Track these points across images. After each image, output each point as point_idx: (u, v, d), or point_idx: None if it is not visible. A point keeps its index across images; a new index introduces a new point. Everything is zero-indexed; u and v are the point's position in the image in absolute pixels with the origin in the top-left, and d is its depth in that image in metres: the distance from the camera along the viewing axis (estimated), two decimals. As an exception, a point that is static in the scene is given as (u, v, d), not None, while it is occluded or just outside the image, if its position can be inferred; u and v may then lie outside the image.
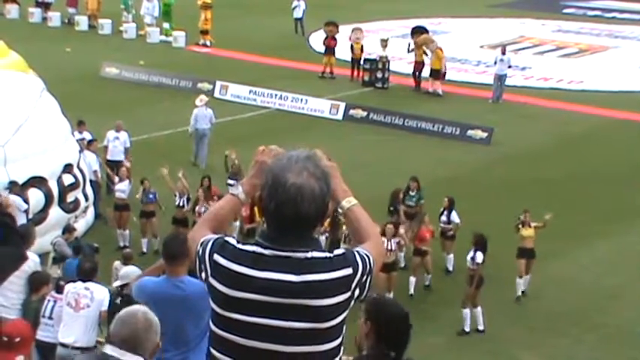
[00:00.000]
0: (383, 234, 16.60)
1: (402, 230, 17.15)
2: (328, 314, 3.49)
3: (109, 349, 4.20)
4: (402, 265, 18.05)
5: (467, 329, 16.20)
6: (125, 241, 18.83)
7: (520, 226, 17.45)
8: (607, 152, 25.48)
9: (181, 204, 18.42)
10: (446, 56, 31.13)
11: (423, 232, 17.62)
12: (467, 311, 16.22)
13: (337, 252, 3.60)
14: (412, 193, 18.89)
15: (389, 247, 16.54)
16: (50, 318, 11.78)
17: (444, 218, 18.21)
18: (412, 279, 17.53)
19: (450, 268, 18.24)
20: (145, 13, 38.23)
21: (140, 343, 3.94)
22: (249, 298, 3.48)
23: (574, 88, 32.06)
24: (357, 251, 3.61)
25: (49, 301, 11.81)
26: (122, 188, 19.11)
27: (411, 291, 17.43)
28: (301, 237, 3.52)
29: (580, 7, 47.08)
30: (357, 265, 3.56)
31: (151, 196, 18.74)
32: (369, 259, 3.60)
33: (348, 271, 3.52)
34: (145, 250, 18.69)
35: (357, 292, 3.57)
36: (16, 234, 5.21)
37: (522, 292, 17.26)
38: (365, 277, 3.58)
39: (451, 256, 18.16)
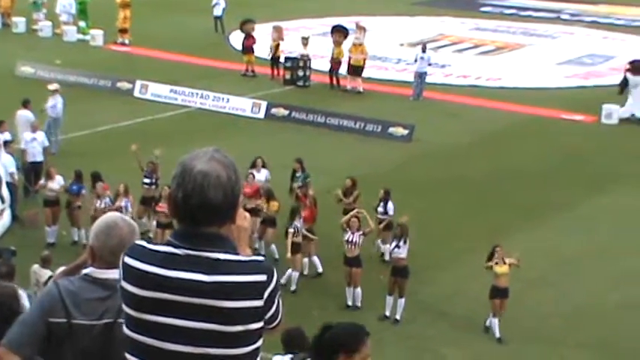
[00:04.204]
0: (348, 226, 17.10)
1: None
2: (237, 318, 3.45)
3: (96, 273, 4.11)
4: (387, 257, 18.34)
5: (387, 314, 16.71)
6: (53, 238, 19.13)
7: (494, 263, 16.16)
8: (525, 148, 25.91)
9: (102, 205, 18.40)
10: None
11: (307, 213, 18.08)
12: (390, 298, 16.74)
13: (253, 257, 3.58)
14: (298, 175, 20.07)
15: (353, 240, 16.94)
16: None
17: (380, 209, 18.59)
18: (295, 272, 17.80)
19: (387, 258, 18.44)
20: (61, 11, 37.61)
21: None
22: (160, 297, 3.45)
23: (492, 86, 32.53)
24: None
25: None
26: (54, 187, 19.23)
27: (293, 287, 17.51)
28: (214, 236, 3.49)
29: (497, 5, 47.76)
30: (272, 274, 3.53)
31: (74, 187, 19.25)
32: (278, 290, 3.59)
33: (262, 277, 3.48)
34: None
35: (267, 307, 3.52)
36: None
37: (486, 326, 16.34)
38: (276, 295, 3.55)
39: (387, 245, 18.36)
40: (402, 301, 16.71)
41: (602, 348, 16.05)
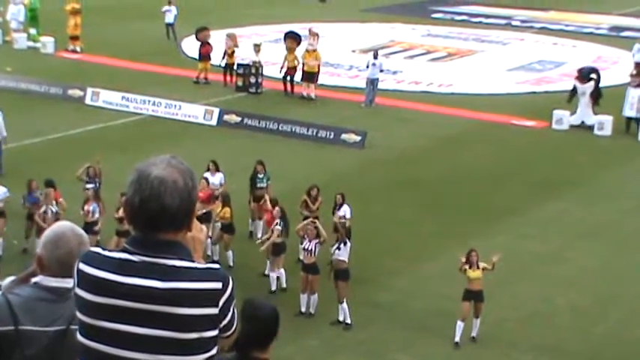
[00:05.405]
0: (306, 233, 16.96)
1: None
2: (192, 325, 3.44)
3: (45, 281, 4.07)
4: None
5: (340, 319, 16.67)
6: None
7: (467, 267, 16.21)
8: (477, 154, 26.10)
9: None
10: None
11: (267, 215, 18.37)
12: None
13: (209, 265, 3.57)
14: (260, 176, 20.12)
15: (309, 247, 16.82)
16: None
17: (340, 213, 18.48)
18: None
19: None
20: (10, 18, 37.24)
21: (76, 260, 3.74)
22: (114, 304, 3.44)
23: (444, 92, 32.75)
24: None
25: None
26: None
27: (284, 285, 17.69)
28: (169, 243, 3.48)
29: (448, 12, 48.15)
30: (228, 282, 3.53)
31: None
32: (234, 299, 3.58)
33: (217, 285, 3.48)
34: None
35: (222, 315, 3.52)
36: None
37: (472, 337, 16.35)
38: (231, 303, 3.55)
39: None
40: (344, 306, 16.55)
41: (555, 351, 16.22)
